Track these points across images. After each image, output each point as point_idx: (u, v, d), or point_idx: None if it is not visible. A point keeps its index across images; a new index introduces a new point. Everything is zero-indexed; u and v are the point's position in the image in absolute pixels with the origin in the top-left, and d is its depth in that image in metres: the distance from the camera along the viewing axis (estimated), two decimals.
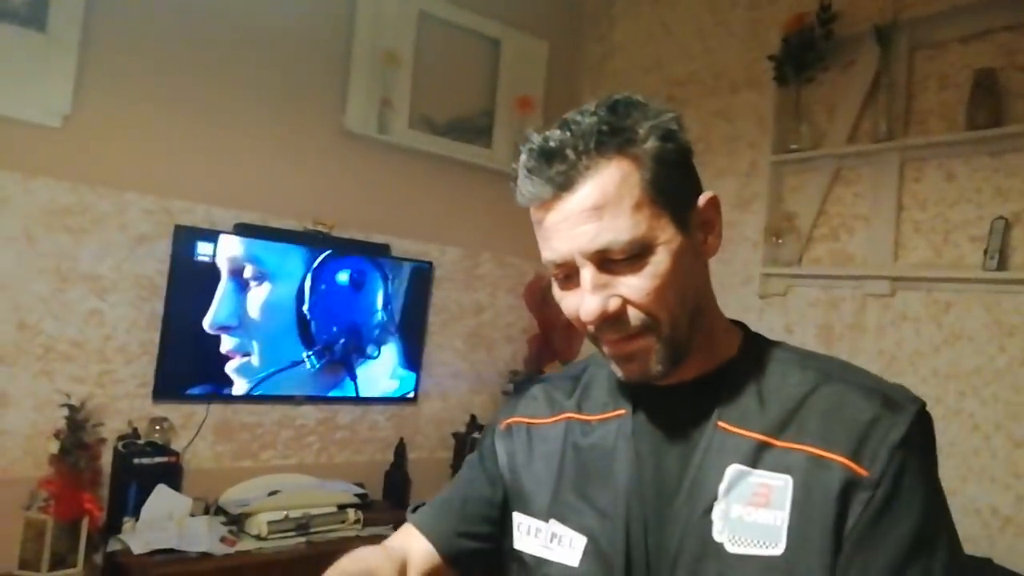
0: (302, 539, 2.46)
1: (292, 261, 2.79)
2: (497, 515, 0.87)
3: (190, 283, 2.57)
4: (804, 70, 2.86)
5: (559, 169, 0.69)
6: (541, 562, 0.79)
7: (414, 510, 0.95)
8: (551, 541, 0.79)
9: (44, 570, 2.10)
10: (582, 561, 0.76)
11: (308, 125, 2.91)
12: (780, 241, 2.88)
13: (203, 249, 2.59)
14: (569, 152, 0.69)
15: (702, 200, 0.76)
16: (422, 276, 3.15)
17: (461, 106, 3.35)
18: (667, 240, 0.70)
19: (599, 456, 0.79)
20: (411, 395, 3.14)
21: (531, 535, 0.81)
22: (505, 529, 0.86)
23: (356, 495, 2.70)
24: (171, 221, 2.58)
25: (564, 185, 0.69)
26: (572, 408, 0.85)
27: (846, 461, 0.67)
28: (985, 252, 2.36)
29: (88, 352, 2.46)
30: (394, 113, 3.07)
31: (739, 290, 3.03)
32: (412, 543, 0.88)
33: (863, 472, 0.67)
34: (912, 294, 2.58)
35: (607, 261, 0.70)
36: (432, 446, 3.22)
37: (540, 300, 3.40)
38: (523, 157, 0.72)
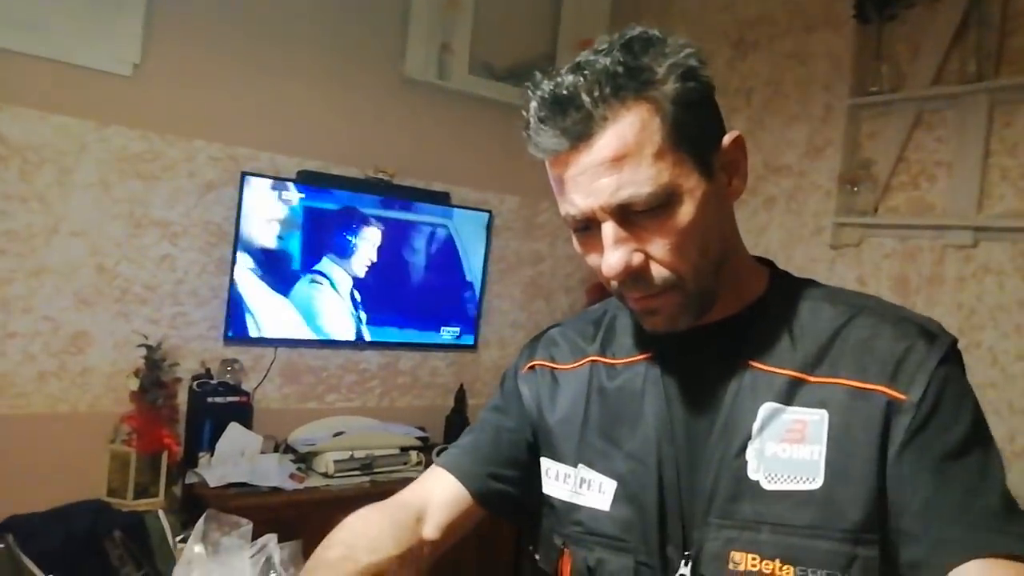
0: (366, 478, 2.54)
1: (354, 208, 2.81)
2: (526, 458, 0.86)
3: (256, 229, 2.62)
4: (887, 6, 2.69)
5: (574, 119, 0.65)
6: (571, 507, 0.78)
7: (438, 454, 0.94)
8: (580, 486, 0.78)
9: (130, 498, 2.23)
10: (613, 505, 0.75)
11: (368, 72, 2.90)
12: (855, 189, 2.76)
13: (268, 196, 2.63)
14: (584, 99, 0.64)
15: (726, 140, 0.71)
16: (482, 225, 3.14)
17: (522, 50, 3.28)
18: (691, 188, 0.67)
19: (626, 399, 0.78)
20: (471, 343, 3.17)
21: (560, 480, 0.80)
22: (533, 473, 0.85)
23: (418, 438, 2.76)
24: (237, 168, 2.63)
25: (580, 136, 0.65)
26: (595, 352, 0.83)
27: (884, 389, 0.66)
28: None
29: (161, 295, 2.55)
30: (454, 58, 3.03)
31: (808, 241, 2.93)
32: (437, 485, 0.86)
33: (903, 397, 0.66)
34: (996, 245, 2.45)
35: (629, 214, 0.67)
36: (491, 392, 3.23)
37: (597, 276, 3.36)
38: (533, 105, 0.67)
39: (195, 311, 2.60)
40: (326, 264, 2.77)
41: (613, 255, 0.67)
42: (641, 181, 0.64)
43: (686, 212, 0.66)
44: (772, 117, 3.08)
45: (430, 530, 0.83)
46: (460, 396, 3.09)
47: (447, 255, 3.05)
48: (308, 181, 2.72)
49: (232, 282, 2.59)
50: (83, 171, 2.40)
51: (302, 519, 2.26)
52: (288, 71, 2.73)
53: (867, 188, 2.75)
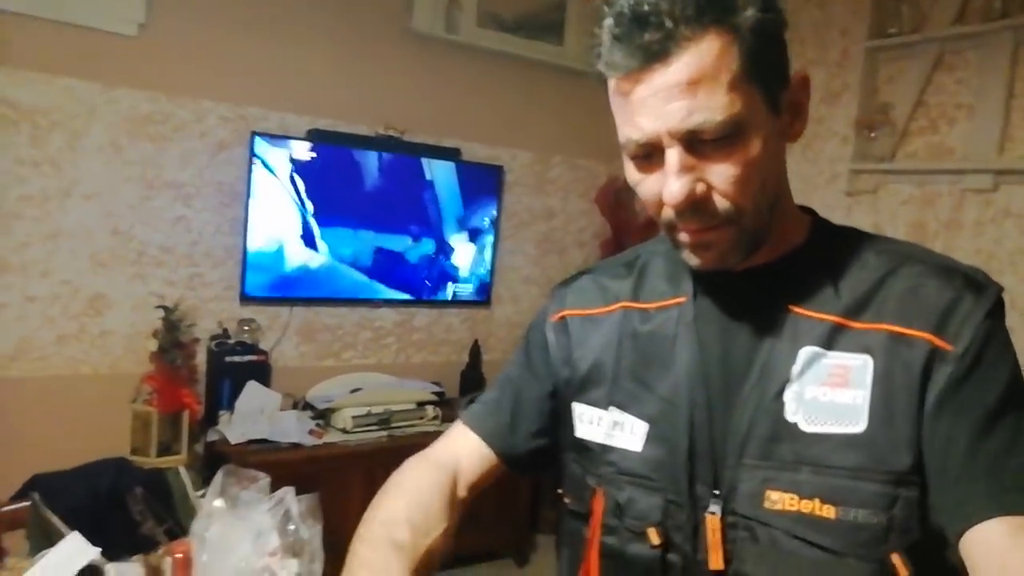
0: (384, 433, 2.58)
1: (365, 166, 2.80)
2: (549, 408, 0.87)
3: (268, 189, 2.62)
4: None
5: (653, 37, 0.62)
6: (605, 448, 0.78)
7: (465, 407, 0.94)
8: (613, 428, 0.78)
9: (153, 456, 2.28)
10: (645, 446, 0.75)
11: (375, 28, 2.85)
12: (873, 135, 2.70)
13: (279, 155, 2.62)
14: (665, 19, 0.61)
15: (794, 79, 0.69)
16: (493, 180, 3.12)
17: (531, 1, 3.21)
18: (759, 123, 0.65)
19: (659, 343, 0.78)
20: (484, 299, 3.18)
21: (593, 424, 0.81)
22: (559, 421, 0.86)
23: (434, 393, 2.79)
24: (247, 128, 2.62)
25: (657, 55, 0.62)
26: (627, 296, 0.83)
27: (930, 336, 0.66)
28: None
29: (177, 257, 2.57)
30: (461, 11, 2.97)
31: (824, 188, 2.89)
32: (464, 445, 0.88)
33: (948, 347, 0.65)
34: (1018, 188, 2.40)
35: (696, 142, 0.64)
36: (505, 348, 3.27)
37: (613, 204, 3.34)
38: (609, 21, 0.64)
39: (211, 272, 2.62)
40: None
41: (677, 183, 0.65)
42: (715, 108, 0.62)
43: (753, 146, 0.65)
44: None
45: (462, 490, 0.86)
46: (475, 352, 3.11)
47: (458, 211, 3.04)
48: (318, 139, 2.71)
49: (246, 242, 2.60)
50: (93, 134, 2.40)
51: (322, 473, 2.32)
52: (295, 28, 2.70)
53: (885, 133, 2.69)
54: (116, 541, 1.22)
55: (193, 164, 2.56)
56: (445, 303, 3.09)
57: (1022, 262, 2.39)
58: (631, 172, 0.71)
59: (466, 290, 3.12)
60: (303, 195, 2.68)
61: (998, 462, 0.63)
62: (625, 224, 3.30)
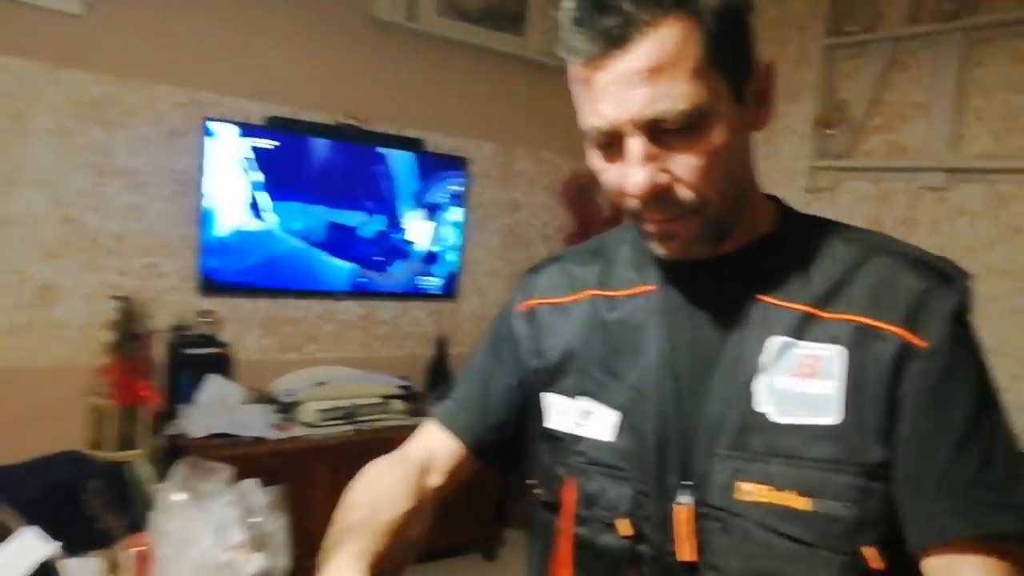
0: (350, 427, 2.55)
1: (324, 155, 2.75)
2: (518, 400, 0.86)
3: (224, 177, 2.56)
4: None
5: (613, 22, 0.61)
6: (574, 438, 0.78)
7: (435, 402, 0.93)
8: (582, 418, 0.78)
9: (111, 450, 2.21)
10: (616, 436, 0.75)
11: (336, 14, 2.81)
12: (830, 132, 2.76)
13: (235, 143, 2.56)
14: (624, 3, 0.61)
15: (760, 68, 0.69)
16: (457, 172, 3.10)
17: None
18: (724, 111, 0.64)
19: (627, 331, 0.77)
20: (450, 292, 3.16)
21: (562, 414, 0.80)
22: (529, 413, 0.85)
23: (400, 387, 2.77)
24: (202, 114, 2.55)
25: (617, 41, 0.61)
26: (594, 284, 0.82)
27: (901, 331, 0.66)
28: None
29: (130, 246, 2.49)
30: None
31: (785, 185, 2.94)
32: (434, 440, 0.87)
33: (920, 343, 0.65)
34: (969, 187, 2.48)
35: (658, 131, 0.63)
36: (472, 342, 3.26)
37: (577, 197, 3.35)
38: (569, 4, 0.63)
39: (166, 262, 2.55)
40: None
41: (639, 173, 0.64)
42: (677, 96, 0.62)
43: (717, 135, 0.64)
44: None
45: (434, 480, 0.85)
46: (441, 345, 3.09)
47: (421, 203, 3.02)
48: (276, 127, 2.65)
49: (202, 231, 2.54)
50: (39, 117, 2.31)
51: (287, 468, 2.28)
52: (253, 11, 2.63)
53: (842, 131, 2.75)
54: (73, 536, 1.18)
55: (146, 151, 2.49)
56: (410, 296, 3.07)
57: (974, 259, 2.47)
58: (595, 160, 0.70)
59: (432, 283, 3.10)
60: (259, 184, 2.62)
61: (974, 478, 0.63)
62: (590, 218, 3.32)
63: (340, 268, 2.85)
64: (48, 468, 1.46)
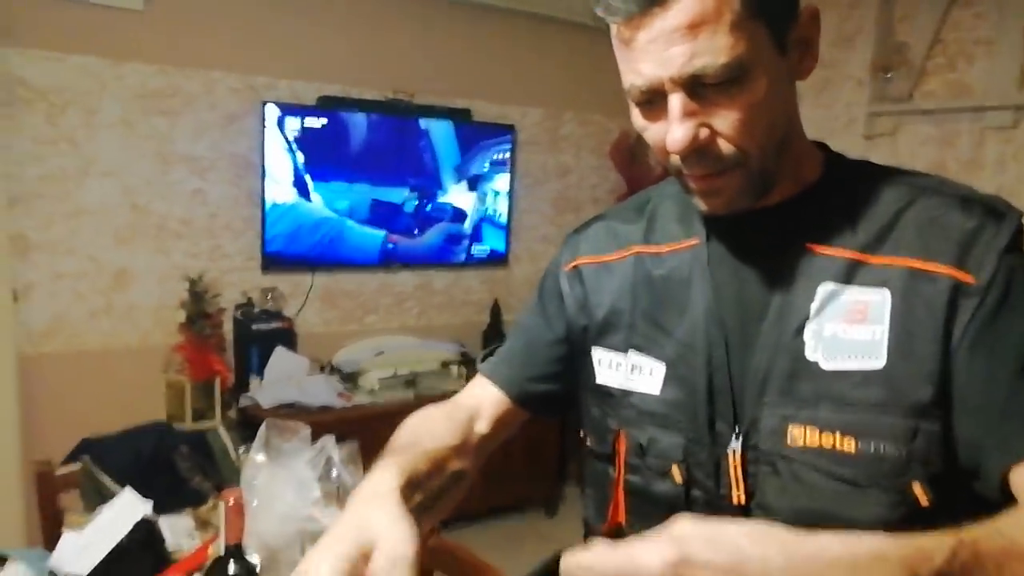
0: (410, 393, 2.62)
1: (375, 131, 2.80)
2: (563, 354, 0.87)
3: (282, 158, 2.63)
4: None
5: None
6: (624, 392, 0.79)
7: (484, 359, 0.96)
8: (632, 372, 0.79)
9: (189, 423, 2.34)
10: (664, 389, 0.76)
11: None
12: (889, 76, 2.66)
13: (291, 124, 2.63)
14: None
15: (803, 14, 0.67)
16: (506, 139, 3.11)
17: None
18: (765, 63, 0.63)
19: (674, 286, 0.78)
20: (503, 259, 3.19)
21: (612, 368, 0.81)
22: (576, 367, 0.87)
23: (457, 352, 2.83)
24: (257, 98, 2.62)
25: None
26: (639, 241, 0.82)
27: (951, 271, 0.65)
28: None
29: (197, 230, 2.60)
30: None
31: (841, 133, 2.85)
32: (483, 393, 0.89)
33: (970, 279, 0.64)
34: None
35: (698, 86, 0.63)
36: (526, 306, 3.30)
37: (628, 158, 3.32)
38: None
39: (231, 243, 2.65)
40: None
41: (679, 129, 0.64)
42: (717, 51, 0.61)
43: (758, 87, 0.63)
44: None
45: (481, 427, 0.87)
46: (495, 311, 3.14)
47: (472, 171, 3.05)
48: (328, 106, 2.71)
49: (264, 212, 2.63)
50: (106, 111, 2.42)
51: (353, 433, 2.35)
52: None
53: (901, 74, 2.65)
54: (164, 498, 1.27)
55: (206, 136, 2.58)
56: (463, 265, 3.11)
57: None
58: (637, 118, 0.70)
59: (483, 251, 3.13)
60: (315, 164, 2.69)
61: None
62: (640, 178, 3.29)
63: (394, 241, 2.90)
64: (137, 438, 1.56)
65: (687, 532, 0.47)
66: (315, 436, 1.18)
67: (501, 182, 3.14)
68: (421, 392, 2.64)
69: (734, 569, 0.45)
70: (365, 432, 2.58)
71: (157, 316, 2.53)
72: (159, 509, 1.26)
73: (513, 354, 0.91)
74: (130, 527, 1.20)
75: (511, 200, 3.18)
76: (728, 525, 0.47)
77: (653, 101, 0.66)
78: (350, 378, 2.66)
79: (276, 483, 1.05)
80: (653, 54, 0.63)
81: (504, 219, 3.16)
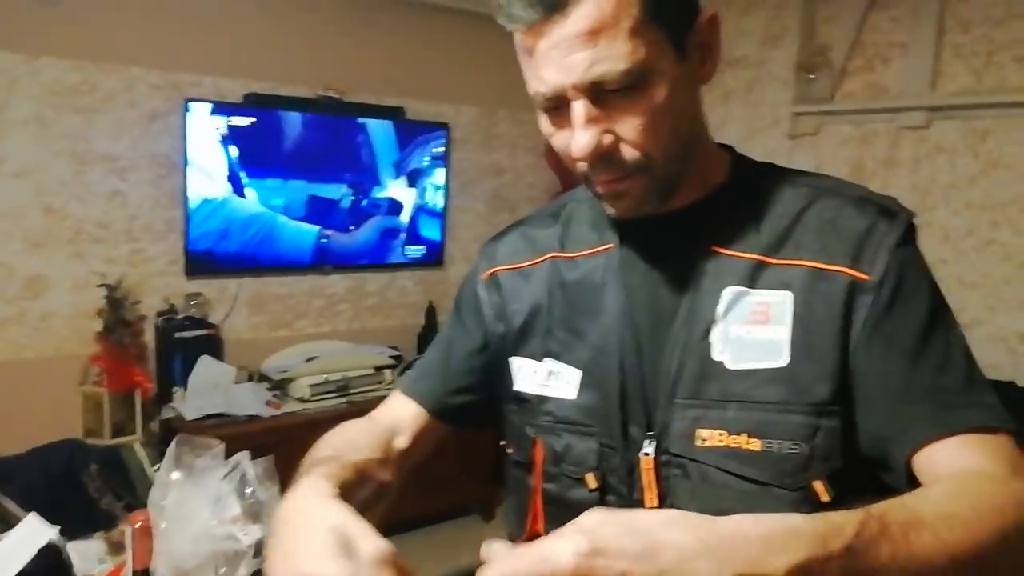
0: (343, 399, 2.58)
1: (304, 129, 2.73)
2: (481, 364, 0.88)
3: (205, 158, 2.54)
4: None
5: None
6: (541, 399, 0.80)
7: (402, 373, 0.95)
8: (548, 378, 0.80)
9: (107, 437, 2.24)
10: (579, 394, 0.77)
11: None
12: (812, 76, 2.74)
13: (215, 122, 2.54)
14: None
15: (702, 19, 0.68)
16: (438, 138, 3.08)
17: None
18: (665, 68, 0.64)
19: (587, 291, 0.79)
20: (437, 260, 3.16)
21: (530, 375, 0.82)
22: (496, 376, 0.87)
23: (391, 357, 2.79)
24: (180, 95, 2.52)
25: (556, 6, 0.61)
26: (555, 247, 0.83)
27: (847, 270, 0.68)
28: None
29: (116, 233, 2.48)
30: None
31: (767, 132, 2.93)
32: (402, 408, 0.89)
33: (865, 277, 0.67)
34: (949, 124, 2.47)
35: (601, 93, 0.64)
36: None
37: (562, 158, 3.33)
38: None
39: (152, 246, 2.55)
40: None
41: (583, 135, 0.65)
42: (617, 57, 0.62)
43: (659, 92, 0.64)
44: (728, 7, 3.01)
45: (401, 442, 0.86)
46: (430, 313, 3.11)
47: (404, 170, 3.01)
48: (255, 103, 2.63)
49: (187, 214, 2.53)
50: (16, 107, 2.29)
51: (282, 443, 2.29)
52: None
53: (824, 75, 2.73)
54: (75, 520, 1.21)
55: (125, 135, 2.47)
56: (397, 266, 3.07)
57: (955, 196, 2.48)
58: (544, 125, 0.70)
59: (417, 252, 3.10)
60: (240, 162, 2.61)
61: (934, 383, 0.65)
62: (575, 178, 3.30)
63: (324, 242, 2.84)
64: (46, 457, 1.48)
65: (597, 522, 0.46)
66: (243, 446, 1.14)
67: (440, 176, 3.11)
68: (354, 398, 2.59)
69: (647, 555, 0.44)
70: (296, 441, 2.51)
71: (73, 325, 2.41)
72: (69, 533, 1.20)
73: (431, 368, 0.91)
74: (34, 554, 1.14)
75: (446, 200, 3.15)
76: (638, 513, 0.47)
77: (558, 108, 0.66)
78: (280, 386, 2.59)
79: (189, 502, 1.01)
80: (555, 61, 0.63)
81: (441, 208, 3.12)
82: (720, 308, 0.71)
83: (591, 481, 0.75)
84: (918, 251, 0.70)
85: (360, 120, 2.86)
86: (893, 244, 0.67)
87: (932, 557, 0.50)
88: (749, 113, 2.96)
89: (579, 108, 0.64)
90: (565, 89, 0.64)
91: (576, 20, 0.61)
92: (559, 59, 0.63)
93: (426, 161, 3.05)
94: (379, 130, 2.91)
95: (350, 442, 0.79)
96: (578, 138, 0.65)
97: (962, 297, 2.43)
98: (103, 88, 2.41)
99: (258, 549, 0.96)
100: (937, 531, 0.51)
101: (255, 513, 1.08)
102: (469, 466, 2.80)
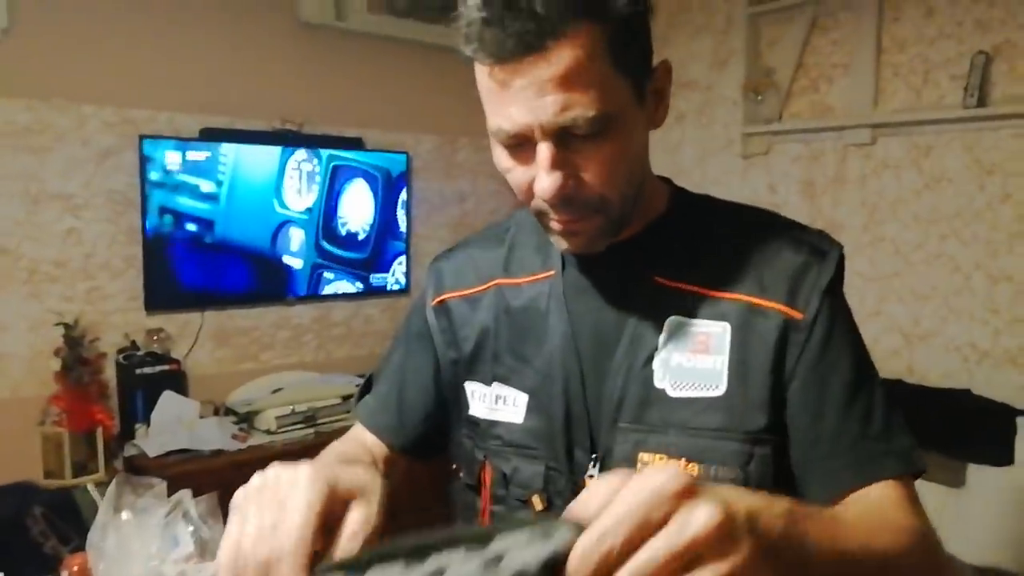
0: (310, 430, 2.56)
1: (263, 162, 2.74)
2: (437, 392, 0.89)
3: (163, 193, 2.54)
4: None
5: (527, 26, 0.60)
6: (490, 423, 0.82)
7: (358, 398, 0.95)
8: (496, 403, 0.82)
9: (68, 478, 2.20)
10: (526, 418, 0.79)
11: (263, 19, 2.78)
12: (760, 98, 2.82)
13: (171, 158, 2.54)
14: (539, 7, 0.59)
15: (658, 67, 0.71)
16: (399, 167, 3.10)
17: None
18: (628, 116, 0.66)
19: (532, 317, 0.81)
20: (403, 287, 3.17)
21: (480, 400, 0.84)
22: (450, 402, 0.88)
23: (357, 386, 2.78)
24: (135, 132, 2.52)
25: (532, 45, 0.61)
26: (499, 272, 0.85)
27: (781, 307, 0.72)
28: (965, 89, 2.32)
29: (72, 271, 2.46)
30: None
31: (720, 153, 3.00)
32: (366, 438, 0.91)
33: (798, 315, 0.72)
34: (893, 140, 2.55)
35: (567, 136, 0.65)
36: None
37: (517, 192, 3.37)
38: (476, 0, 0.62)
39: (110, 283, 2.53)
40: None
41: (548, 179, 0.65)
42: (587, 103, 0.62)
43: (622, 139, 0.66)
44: (678, 31, 3.09)
45: (379, 463, 0.88)
46: None
47: (366, 200, 3.03)
48: (211, 138, 2.63)
49: (146, 250, 2.52)
50: None
51: (249, 476, 2.28)
52: (177, 23, 2.60)
53: (771, 95, 2.81)
54: (21, 565, 1.19)
55: (79, 173, 2.45)
56: (362, 295, 3.07)
57: (902, 210, 2.55)
58: (501, 159, 0.71)
59: (382, 280, 3.11)
60: (200, 195, 2.61)
61: (862, 432, 0.70)
62: None
63: (288, 273, 2.84)
64: None
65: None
66: (209, 481, 1.14)
67: (399, 209, 3.13)
68: (321, 428, 2.58)
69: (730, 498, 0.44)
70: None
71: (30, 365, 2.38)
72: None
73: (387, 401, 0.92)
74: None
75: (409, 228, 3.17)
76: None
77: (521, 145, 0.67)
78: (246, 419, 2.57)
79: (130, 541, 1.01)
80: (525, 101, 0.63)
81: (403, 246, 3.15)
82: (662, 337, 0.74)
83: (537, 503, 0.77)
84: (841, 289, 0.75)
85: (320, 151, 2.87)
86: (823, 287, 0.72)
87: (848, 547, 0.54)
88: (702, 134, 3.02)
89: (546, 150, 0.65)
90: (532, 129, 0.65)
91: (550, 63, 0.61)
92: (531, 100, 0.63)
93: (388, 191, 3.07)
94: (339, 161, 2.93)
95: (341, 453, 0.83)
96: (543, 180, 0.66)
97: (915, 308, 2.49)
98: (56, 127, 2.40)
99: None
100: (854, 527, 0.57)
101: (204, 552, 1.08)
102: (418, 498, 2.79)
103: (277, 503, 0.50)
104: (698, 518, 0.40)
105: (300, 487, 0.50)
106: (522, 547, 0.41)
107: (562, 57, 0.61)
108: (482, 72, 0.67)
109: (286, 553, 0.47)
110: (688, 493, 0.41)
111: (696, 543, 0.40)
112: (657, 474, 0.42)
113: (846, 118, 2.63)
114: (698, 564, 0.40)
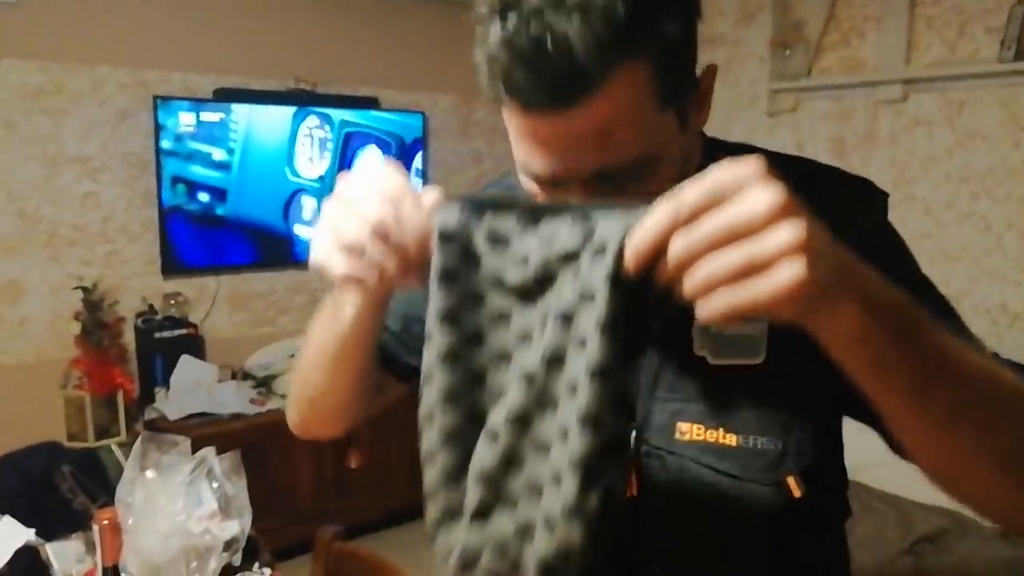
0: None
1: (276, 129, 2.70)
2: None
3: (176, 162, 2.51)
4: None
5: (563, 75, 0.52)
6: None
7: None
8: None
9: (91, 440, 2.22)
10: None
11: None
12: (788, 53, 2.73)
13: (186, 119, 2.51)
14: (580, 55, 0.51)
15: (701, 74, 0.64)
16: (414, 133, 3.05)
17: None
18: (670, 148, 0.61)
19: None
20: None
21: None
22: None
23: None
24: (149, 93, 2.49)
25: (568, 98, 0.53)
26: None
27: None
28: (1002, 43, 2.22)
29: (91, 235, 2.46)
30: None
31: (747, 110, 2.92)
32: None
33: None
34: (925, 96, 2.47)
35: (603, 177, 0.58)
36: None
37: None
38: (507, 30, 0.54)
39: (128, 247, 2.53)
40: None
41: None
42: (627, 146, 0.57)
43: (662, 174, 0.60)
44: None
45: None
46: None
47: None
48: (225, 98, 2.60)
49: (162, 213, 2.51)
50: None
51: (267, 440, 2.29)
52: None
53: (799, 50, 2.72)
54: (53, 522, 1.20)
55: (96, 136, 2.44)
56: None
57: (933, 168, 2.48)
58: (528, 184, 0.65)
59: None
60: (214, 159, 2.58)
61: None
62: None
63: (301, 240, 2.82)
64: (23, 460, 1.47)
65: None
66: (229, 444, 1.13)
67: (416, 170, 3.09)
68: None
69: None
70: (281, 437, 2.50)
71: (52, 329, 2.39)
72: (48, 534, 1.19)
73: (394, 338, 0.89)
74: (10, 555, 1.13)
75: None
76: None
77: (551, 182, 0.61)
78: (263, 383, 2.57)
79: (157, 497, 1.00)
80: (558, 151, 0.57)
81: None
82: None
83: None
84: (894, 229, 0.71)
85: (335, 111, 2.83)
86: (871, 229, 0.68)
87: (976, 376, 0.52)
88: (727, 91, 2.94)
89: (580, 193, 0.59)
90: (563, 174, 0.59)
91: (587, 116, 0.54)
92: (563, 150, 0.57)
93: (404, 152, 3.03)
94: (355, 121, 2.88)
95: None
96: None
97: (945, 269, 2.43)
98: (70, 88, 2.38)
99: (228, 544, 0.96)
100: (980, 358, 0.54)
101: (227, 509, 1.07)
102: (419, 469, 2.77)
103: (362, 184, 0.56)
104: (760, 195, 0.41)
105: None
106: (612, 221, 0.48)
107: (601, 109, 0.54)
108: (508, 108, 0.59)
109: (405, 192, 0.54)
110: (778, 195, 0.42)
111: (755, 220, 0.41)
112: (748, 166, 0.43)
113: (877, 73, 2.54)
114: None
